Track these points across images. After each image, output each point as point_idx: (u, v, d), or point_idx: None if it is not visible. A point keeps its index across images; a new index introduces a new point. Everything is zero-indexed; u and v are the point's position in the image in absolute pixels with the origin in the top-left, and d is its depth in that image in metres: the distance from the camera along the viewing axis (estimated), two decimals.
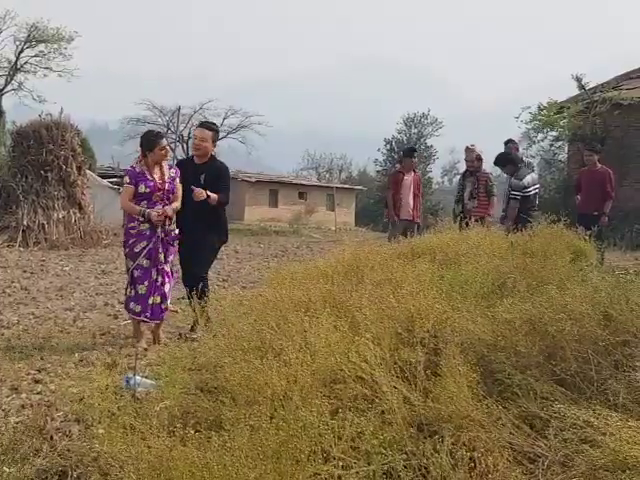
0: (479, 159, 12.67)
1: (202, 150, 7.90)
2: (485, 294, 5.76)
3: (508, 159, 11.87)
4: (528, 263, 6.50)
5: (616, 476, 3.14)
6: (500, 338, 4.52)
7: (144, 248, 7.34)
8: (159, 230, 7.34)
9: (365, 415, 3.73)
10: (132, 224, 7.47)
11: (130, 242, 7.46)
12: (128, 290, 7.55)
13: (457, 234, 8.62)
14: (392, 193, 13.48)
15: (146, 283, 7.39)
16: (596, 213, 12.14)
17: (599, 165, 12.87)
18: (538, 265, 6.40)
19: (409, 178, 13.22)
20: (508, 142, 14.01)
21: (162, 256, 7.41)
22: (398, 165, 13.79)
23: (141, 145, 7.56)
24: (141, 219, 7.34)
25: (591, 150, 13.17)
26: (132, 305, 7.43)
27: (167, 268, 7.55)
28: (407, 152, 13.80)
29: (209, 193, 7.63)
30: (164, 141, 7.58)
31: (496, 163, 12.01)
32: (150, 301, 7.39)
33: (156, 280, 7.45)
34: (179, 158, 8.67)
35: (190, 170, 7.75)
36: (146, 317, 7.39)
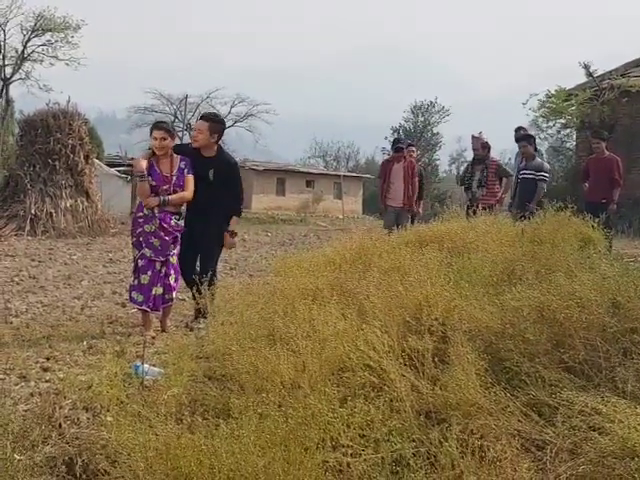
0: (484, 147, 12.62)
1: (199, 141, 7.79)
2: (493, 282, 5.74)
3: (530, 136, 12.06)
4: (536, 251, 6.48)
5: (624, 463, 3.13)
6: (508, 326, 4.51)
7: (148, 235, 7.35)
8: (156, 212, 7.34)
9: (374, 403, 3.73)
10: (140, 213, 7.47)
11: (137, 231, 7.47)
12: (132, 279, 7.56)
13: (465, 222, 8.60)
14: (381, 182, 13.44)
15: (149, 273, 7.38)
16: (604, 201, 12.05)
17: (607, 152, 12.77)
18: (546, 253, 6.38)
19: (399, 166, 13.06)
20: (519, 129, 13.99)
21: (167, 244, 7.39)
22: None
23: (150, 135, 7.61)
24: (149, 211, 7.37)
25: (598, 138, 13.07)
26: (134, 294, 7.43)
27: (173, 260, 7.52)
28: (394, 148, 13.65)
29: (232, 225, 7.90)
30: (157, 132, 7.47)
31: (522, 139, 12.09)
32: (153, 292, 7.37)
33: (160, 271, 7.43)
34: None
35: (198, 163, 7.71)
36: (148, 307, 7.39)
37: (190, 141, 8.17)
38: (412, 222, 13.09)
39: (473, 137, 12.94)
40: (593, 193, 12.50)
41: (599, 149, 12.77)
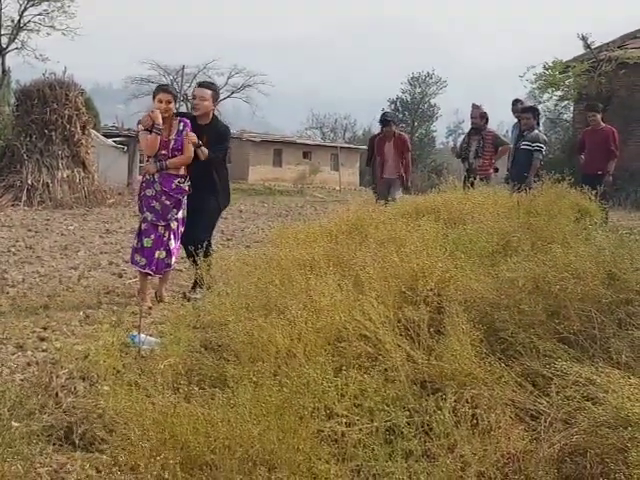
0: (482, 117, 12.58)
1: (202, 109, 7.82)
2: (489, 253, 5.74)
3: (535, 109, 12.07)
4: (532, 222, 6.48)
5: (618, 433, 3.14)
6: (503, 297, 4.52)
7: (151, 197, 7.37)
8: (156, 177, 7.36)
9: (369, 373, 3.74)
10: (144, 178, 7.53)
11: (140, 195, 7.53)
12: (135, 242, 7.56)
13: (461, 193, 8.60)
14: (373, 159, 13.39)
15: (152, 237, 7.41)
16: (600, 173, 12.00)
17: (603, 124, 12.73)
18: (542, 224, 6.38)
19: (390, 145, 12.94)
20: (516, 102, 13.94)
21: (168, 208, 7.40)
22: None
23: (152, 97, 7.67)
24: (150, 176, 7.39)
25: (593, 110, 13.01)
26: (137, 257, 7.45)
27: (174, 225, 7.53)
28: (381, 121, 13.51)
29: (202, 149, 7.63)
30: (164, 95, 7.49)
31: (527, 110, 12.09)
32: (156, 255, 7.42)
33: (163, 235, 7.46)
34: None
35: (193, 130, 7.70)
36: (151, 271, 7.42)
37: (189, 110, 8.14)
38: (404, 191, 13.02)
39: (474, 105, 12.89)
40: (589, 165, 12.44)
41: (594, 121, 12.71)
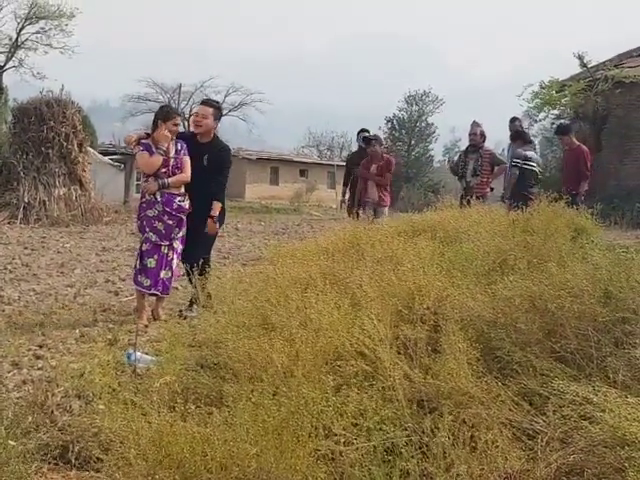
0: (482, 135, 12.59)
1: (203, 127, 7.85)
2: (485, 271, 5.75)
3: (520, 133, 12.07)
4: (529, 241, 6.49)
5: (615, 452, 3.14)
6: (500, 315, 4.52)
7: (152, 219, 7.37)
8: (159, 197, 7.37)
9: (366, 392, 3.74)
10: (143, 199, 7.52)
11: (141, 215, 7.52)
12: (137, 263, 7.56)
13: (458, 211, 8.61)
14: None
15: (155, 257, 7.42)
16: (574, 192, 12.01)
17: (577, 144, 12.79)
18: (539, 243, 6.39)
19: (374, 168, 12.74)
20: (514, 120, 13.96)
21: (171, 228, 7.43)
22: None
23: (156, 116, 7.66)
24: (151, 196, 7.41)
25: (560, 134, 13.13)
26: (140, 278, 7.44)
27: (176, 245, 7.57)
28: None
29: (215, 211, 7.80)
30: (179, 119, 7.75)
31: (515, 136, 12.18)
32: (162, 275, 7.44)
33: (167, 254, 7.48)
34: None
35: (193, 148, 7.72)
36: (157, 291, 7.43)
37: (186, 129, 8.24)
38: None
39: (474, 123, 12.87)
40: (564, 184, 12.47)
41: (566, 142, 12.78)
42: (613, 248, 6.65)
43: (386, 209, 12.61)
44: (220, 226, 8.26)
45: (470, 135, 12.80)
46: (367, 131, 13.75)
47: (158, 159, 7.32)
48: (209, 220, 7.74)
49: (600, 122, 23.15)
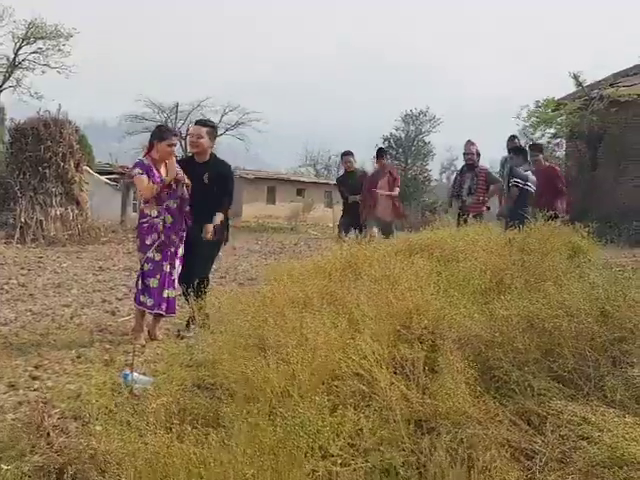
0: (477, 154, 12.65)
1: (200, 147, 7.87)
2: (483, 291, 5.75)
3: (522, 149, 12.09)
4: (525, 260, 6.49)
5: (613, 472, 3.13)
6: (497, 335, 4.51)
7: (155, 241, 7.35)
8: (168, 219, 7.39)
9: (363, 412, 3.72)
10: (144, 219, 7.48)
11: (142, 235, 7.48)
12: (138, 283, 7.52)
13: (454, 230, 8.61)
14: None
15: (158, 277, 7.38)
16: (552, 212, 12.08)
17: (546, 164, 12.87)
18: (535, 261, 6.40)
19: (384, 180, 12.86)
20: (513, 138, 13.95)
21: (172, 247, 7.43)
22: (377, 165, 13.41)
23: (152, 136, 7.66)
24: (154, 214, 7.38)
25: (535, 152, 13.20)
26: (142, 298, 7.39)
27: (178, 264, 7.57)
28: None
29: (216, 220, 7.77)
30: (175, 139, 7.70)
31: (510, 149, 12.15)
32: (165, 294, 7.42)
33: (170, 273, 7.47)
34: (178, 156, 8.77)
35: (192, 169, 7.74)
36: (161, 310, 7.41)
37: (188, 149, 8.28)
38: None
39: (468, 141, 12.92)
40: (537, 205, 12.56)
41: (537, 162, 12.84)
42: (610, 267, 6.66)
43: (393, 225, 12.75)
44: (223, 243, 8.23)
45: (466, 154, 12.84)
46: (351, 154, 13.66)
47: (159, 187, 7.34)
48: (207, 225, 7.70)
49: (596, 141, 23.26)
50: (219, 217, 7.75)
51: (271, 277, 6.88)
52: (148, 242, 7.43)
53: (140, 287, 7.43)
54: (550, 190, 12.22)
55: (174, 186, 7.46)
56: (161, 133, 7.67)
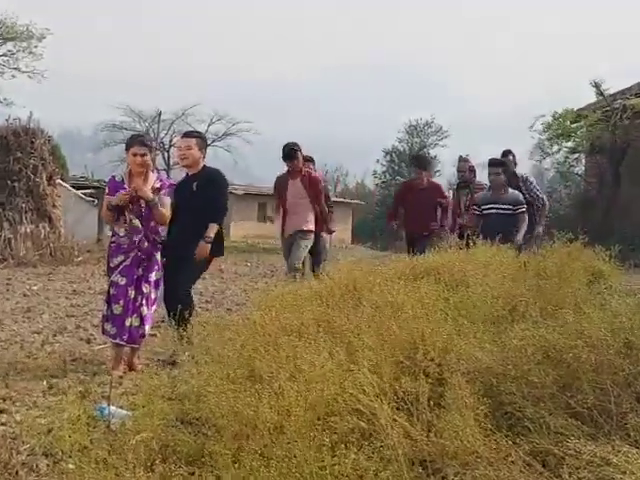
0: (471, 170, 12.83)
1: (190, 158, 7.92)
2: (494, 319, 5.75)
3: (509, 170, 12.02)
4: (541, 285, 6.51)
5: None
6: (510, 367, 4.52)
7: (120, 263, 7.32)
8: (136, 238, 7.32)
9: (363, 451, 3.72)
10: (113, 238, 7.47)
11: (108, 257, 7.48)
12: (105, 309, 7.50)
13: (463, 252, 8.63)
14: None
15: (121, 302, 7.32)
16: (425, 233, 12.19)
17: (425, 182, 12.92)
18: (552, 287, 6.41)
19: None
20: (507, 153, 13.73)
21: (140, 270, 7.37)
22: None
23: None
24: (122, 233, 7.35)
25: (420, 167, 13.24)
26: (107, 326, 7.40)
27: (146, 290, 7.47)
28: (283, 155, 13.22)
29: (209, 232, 7.79)
30: (142, 149, 7.42)
31: (495, 164, 12.01)
32: (127, 323, 7.33)
33: (135, 299, 7.39)
34: (159, 168, 8.61)
35: (184, 184, 7.82)
36: (122, 340, 7.34)
37: (171, 161, 8.29)
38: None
39: (461, 158, 13.15)
40: (411, 224, 12.68)
41: (420, 178, 12.92)
42: (634, 294, 6.67)
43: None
44: (218, 256, 8.24)
45: (459, 172, 13.08)
46: (311, 160, 13.33)
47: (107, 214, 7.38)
48: (202, 242, 7.73)
49: (618, 155, 23.28)
50: (213, 229, 7.77)
51: (262, 303, 6.89)
52: (112, 264, 7.40)
53: (106, 313, 7.42)
54: (430, 209, 12.45)
55: (142, 203, 7.41)
56: (128, 141, 7.64)
